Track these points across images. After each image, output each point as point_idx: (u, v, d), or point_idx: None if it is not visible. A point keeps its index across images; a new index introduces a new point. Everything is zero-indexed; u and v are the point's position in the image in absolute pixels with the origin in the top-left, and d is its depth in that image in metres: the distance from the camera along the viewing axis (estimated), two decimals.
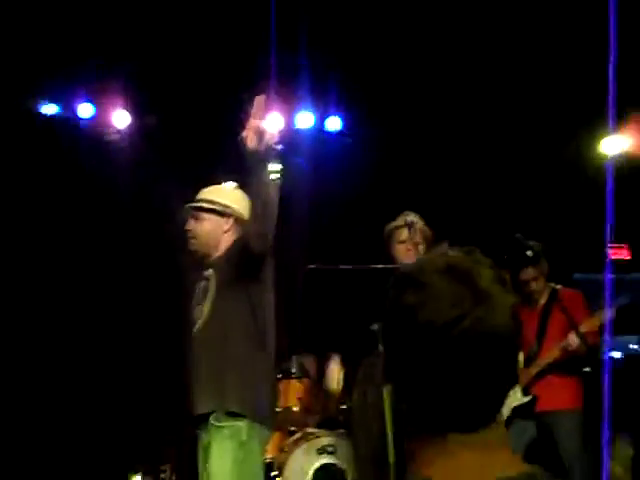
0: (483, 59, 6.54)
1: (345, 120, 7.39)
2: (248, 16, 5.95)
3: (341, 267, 4.20)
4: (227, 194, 3.97)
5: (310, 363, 5.84)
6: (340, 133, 7.35)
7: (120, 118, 6.97)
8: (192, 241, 3.88)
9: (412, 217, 4.40)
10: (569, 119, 6.70)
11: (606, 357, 4.80)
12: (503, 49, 6.35)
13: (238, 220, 3.87)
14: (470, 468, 1.10)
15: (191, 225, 3.89)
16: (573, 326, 4.76)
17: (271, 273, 3.67)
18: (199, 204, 3.93)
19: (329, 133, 7.45)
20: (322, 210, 7.36)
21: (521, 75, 6.57)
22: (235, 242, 3.81)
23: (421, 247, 4.31)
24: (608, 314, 4.72)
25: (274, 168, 3.38)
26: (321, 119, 7.34)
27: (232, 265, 3.68)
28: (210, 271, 3.78)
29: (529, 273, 5.15)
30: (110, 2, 6.03)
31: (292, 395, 5.68)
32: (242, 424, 3.56)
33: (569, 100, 6.52)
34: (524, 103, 6.80)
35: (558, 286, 5.24)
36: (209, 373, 3.65)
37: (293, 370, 5.75)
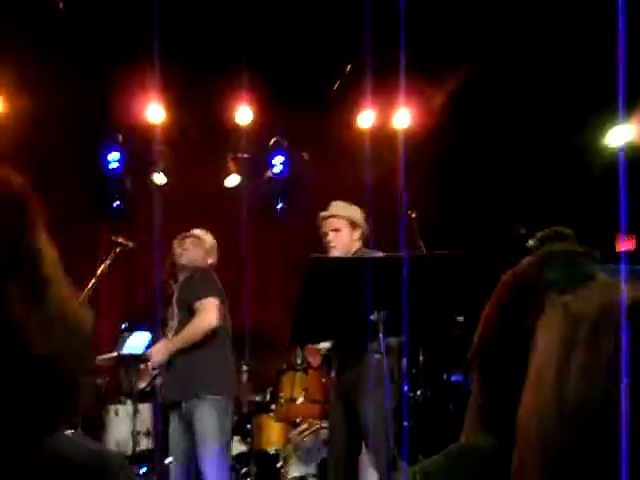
0: (491, 58, 6.51)
1: None
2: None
3: (341, 256, 4.35)
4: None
5: (313, 354, 5.84)
6: None
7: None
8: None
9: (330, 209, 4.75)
10: (576, 110, 6.67)
11: (624, 349, 4.75)
12: (505, 42, 6.31)
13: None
14: None
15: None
16: None
17: None
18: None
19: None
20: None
21: (528, 67, 6.54)
22: None
23: (341, 233, 4.64)
24: (623, 305, 4.65)
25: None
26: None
27: None
28: None
29: None
30: None
31: (297, 387, 5.67)
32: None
33: (577, 91, 6.49)
34: (531, 93, 6.78)
35: None
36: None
37: (298, 362, 5.76)
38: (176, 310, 4.93)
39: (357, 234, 4.68)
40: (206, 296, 4.78)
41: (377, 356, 3.83)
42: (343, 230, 4.65)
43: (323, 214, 4.73)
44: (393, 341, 4.25)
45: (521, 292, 1.24)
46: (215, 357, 4.84)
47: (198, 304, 4.77)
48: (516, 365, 1.19)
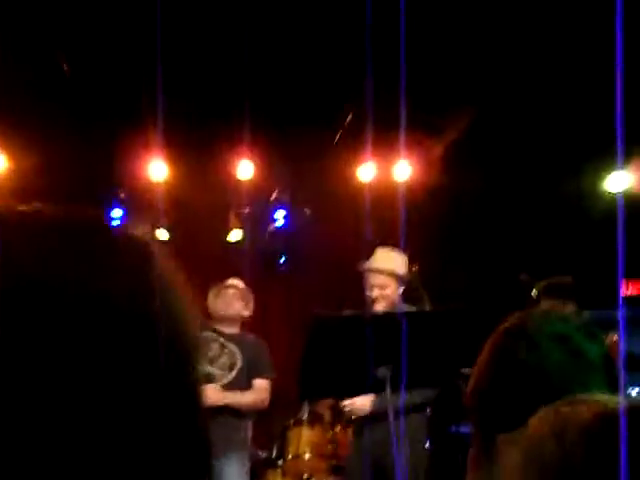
0: (485, 100, 6.58)
1: None
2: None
3: (345, 314, 4.28)
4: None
5: (324, 408, 5.81)
6: None
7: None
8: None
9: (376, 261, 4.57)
10: (575, 155, 6.72)
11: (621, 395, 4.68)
12: (505, 84, 6.37)
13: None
14: None
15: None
16: None
17: None
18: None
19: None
20: (329, 254, 7.40)
21: (525, 110, 6.60)
22: None
23: (388, 290, 4.47)
24: (622, 350, 4.63)
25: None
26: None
27: None
28: None
29: None
30: None
31: (304, 442, 5.62)
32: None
33: (576, 136, 6.54)
34: (530, 136, 6.83)
35: None
36: None
37: (304, 417, 5.72)
38: (239, 364, 5.01)
39: (402, 289, 4.52)
40: (269, 376, 5.10)
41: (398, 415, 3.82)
42: (390, 287, 4.47)
43: (371, 267, 4.52)
44: (417, 397, 4.23)
45: (514, 337, 1.29)
46: (239, 414, 4.98)
47: (263, 381, 5.06)
48: (511, 407, 1.22)
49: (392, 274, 4.46)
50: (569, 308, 5.04)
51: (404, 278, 4.50)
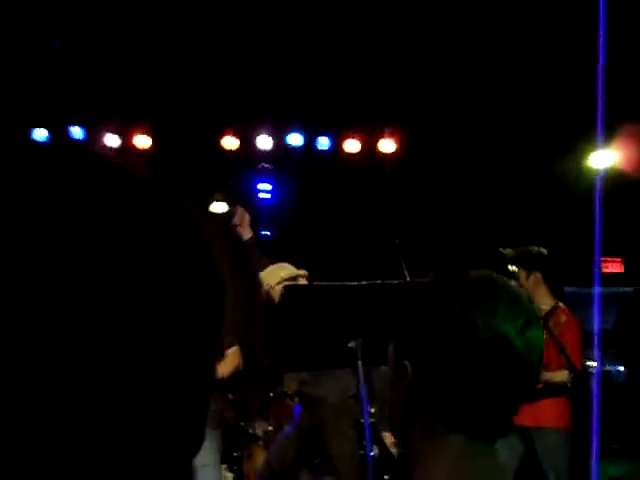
0: (472, 79, 6.57)
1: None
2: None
3: (317, 284, 4.27)
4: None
5: (292, 382, 5.82)
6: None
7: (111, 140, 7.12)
8: None
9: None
10: (559, 134, 6.73)
11: (596, 373, 4.70)
12: (491, 67, 6.37)
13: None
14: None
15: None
16: (570, 366, 4.56)
17: None
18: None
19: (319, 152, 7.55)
20: (313, 226, 7.38)
21: (510, 91, 6.60)
22: None
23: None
24: (597, 327, 4.63)
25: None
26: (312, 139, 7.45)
27: None
28: None
29: None
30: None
31: (286, 414, 5.65)
32: None
33: (559, 115, 6.55)
34: (514, 118, 6.84)
35: (561, 304, 4.95)
36: None
37: (285, 390, 5.75)
38: None
39: None
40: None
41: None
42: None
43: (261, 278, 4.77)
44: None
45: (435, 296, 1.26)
46: None
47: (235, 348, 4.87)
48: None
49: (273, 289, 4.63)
50: (536, 277, 4.99)
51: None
